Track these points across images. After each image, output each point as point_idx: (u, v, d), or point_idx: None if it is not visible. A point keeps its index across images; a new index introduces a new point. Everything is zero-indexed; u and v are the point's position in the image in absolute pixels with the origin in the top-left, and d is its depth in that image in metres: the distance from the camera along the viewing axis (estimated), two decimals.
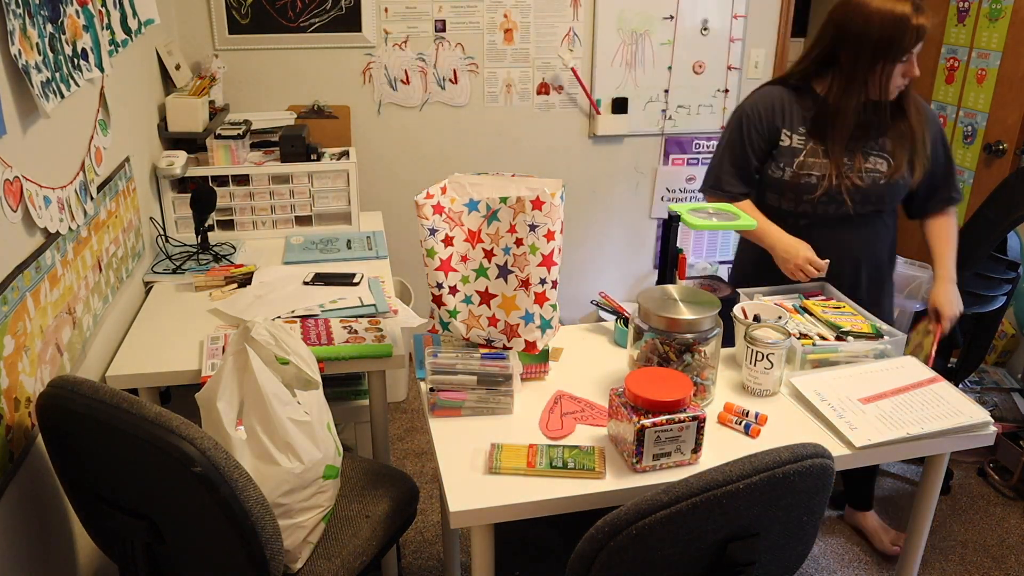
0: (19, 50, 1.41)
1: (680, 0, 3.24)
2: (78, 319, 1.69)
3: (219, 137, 2.53)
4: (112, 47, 2.01)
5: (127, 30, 2.16)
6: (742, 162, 2.10)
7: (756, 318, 1.78)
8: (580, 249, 3.58)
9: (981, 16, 3.20)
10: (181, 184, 2.49)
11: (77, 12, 1.74)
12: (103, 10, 1.96)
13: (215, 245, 2.40)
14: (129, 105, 2.22)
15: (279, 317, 1.96)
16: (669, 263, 1.91)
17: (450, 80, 3.19)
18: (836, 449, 1.48)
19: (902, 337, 1.76)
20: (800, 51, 2.17)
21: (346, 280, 2.20)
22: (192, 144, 2.54)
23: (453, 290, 1.60)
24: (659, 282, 1.89)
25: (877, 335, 1.77)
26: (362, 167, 3.14)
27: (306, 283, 2.18)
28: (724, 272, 3.74)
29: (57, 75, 1.59)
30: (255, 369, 1.39)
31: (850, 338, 1.76)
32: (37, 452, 1.47)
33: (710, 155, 3.49)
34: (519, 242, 1.54)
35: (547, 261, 1.55)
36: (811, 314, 1.86)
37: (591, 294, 3.56)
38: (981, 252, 2.33)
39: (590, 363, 1.79)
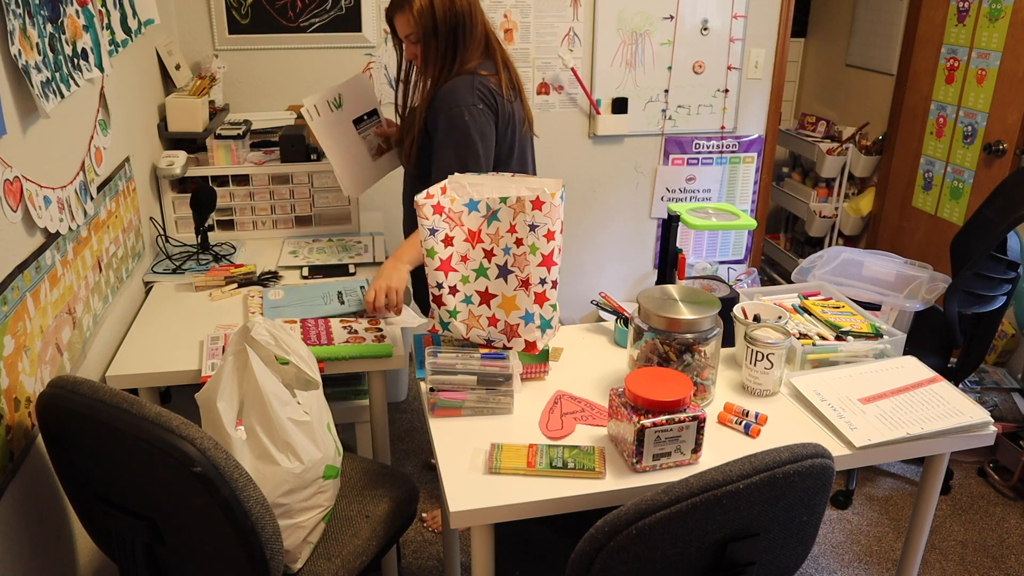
0: (19, 50, 1.41)
1: (680, 0, 3.25)
2: (78, 319, 1.69)
3: (219, 137, 2.52)
4: (112, 47, 2.01)
5: (127, 30, 2.16)
6: None
7: (756, 318, 1.78)
8: (580, 249, 3.58)
9: (981, 16, 3.20)
10: (181, 184, 2.49)
11: (77, 12, 1.74)
12: (103, 10, 1.96)
13: (215, 245, 2.40)
14: (129, 105, 2.22)
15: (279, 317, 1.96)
16: (669, 263, 1.91)
17: None
18: (836, 449, 1.48)
19: (902, 337, 1.76)
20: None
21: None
22: (192, 144, 2.54)
23: (453, 290, 1.60)
24: (659, 282, 1.89)
25: (877, 335, 1.77)
26: None
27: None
28: (724, 272, 3.74)
29: (57, 75, 1.59)
30: (255, 369, 1.39)
31: (850, 338, 1.76)
32: (37, 452, 1.47)
33: (710, 155, 3.51)
34: (519, 242, 1.54)
35: (547, 261, 1.55)
36: (811, 314, 1.86)
37: (591, 294, 3.56)
38: (981, 252, 2.32)
39: (590, 363, 1.79)
